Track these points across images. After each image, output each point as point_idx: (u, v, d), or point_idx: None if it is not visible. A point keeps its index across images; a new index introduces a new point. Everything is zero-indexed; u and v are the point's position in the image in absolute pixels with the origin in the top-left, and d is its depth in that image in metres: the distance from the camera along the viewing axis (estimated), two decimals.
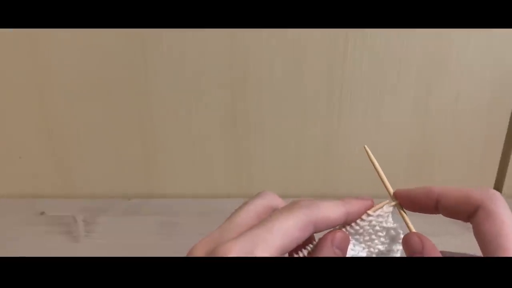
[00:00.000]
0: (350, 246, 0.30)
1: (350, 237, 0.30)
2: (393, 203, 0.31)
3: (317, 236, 0.30)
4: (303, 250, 0.29)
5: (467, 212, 0.28)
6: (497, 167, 0.67)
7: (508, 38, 0.59)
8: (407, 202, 0.30)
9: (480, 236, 0.27)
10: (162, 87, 0.62)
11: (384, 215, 0.30)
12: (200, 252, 0.27)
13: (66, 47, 0.60)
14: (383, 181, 0.31)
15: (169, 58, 0.61)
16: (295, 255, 0.29)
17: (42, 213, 0.65)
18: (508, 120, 0.64)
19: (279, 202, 0.30)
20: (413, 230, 0.30)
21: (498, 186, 0.69)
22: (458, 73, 0.61)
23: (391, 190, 0.31)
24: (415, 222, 0.30)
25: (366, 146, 0.32)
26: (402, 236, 0.30)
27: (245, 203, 0.30)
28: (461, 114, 0.64)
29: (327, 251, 0.28)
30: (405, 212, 0.31)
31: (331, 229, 0.29)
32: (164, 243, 0.61)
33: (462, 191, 0.28)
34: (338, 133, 0.65)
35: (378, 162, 0.32)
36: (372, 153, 0.32)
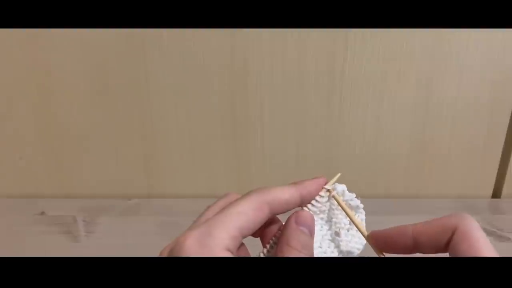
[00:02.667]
0: (318, 227, 0.31)
1: (315, 217, 0.31)
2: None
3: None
4: (273, 237, 0.31)
5: (446, 240, 0.28)
6: (497, 167, 0.67)
7: (508, 38, 0.59)
8: (383, 243, 0.30)
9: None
10: (162, 87, 0.62)
11: (340, 191, 0.32)
12: (165, 252, 0.29)
13: (66, 47, 0.60)
14: (353, 222, 0.31)
15: (169, 58, 0.61)
16: (267, 245, 0.31)
17: (42, 213, 0.65)
18: (508, 120, 0.64)
19: None
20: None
21: (498, 186, 0.69)
22: (458, 73, 0.61)
23: (365, 233, 0.31)
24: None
25: (330, 189, 0.32)
26: (361, 205, 0.32)
27: (209, 206, 0.32)
28: (461, 114, 0.64)
29: (291, 230, 0.29)
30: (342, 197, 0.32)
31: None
32: (164, 243, 0.61)
33: (437, 221, 0.29)
34: (338, 133, 0.65)
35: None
36: (341, 195, 0.32)
